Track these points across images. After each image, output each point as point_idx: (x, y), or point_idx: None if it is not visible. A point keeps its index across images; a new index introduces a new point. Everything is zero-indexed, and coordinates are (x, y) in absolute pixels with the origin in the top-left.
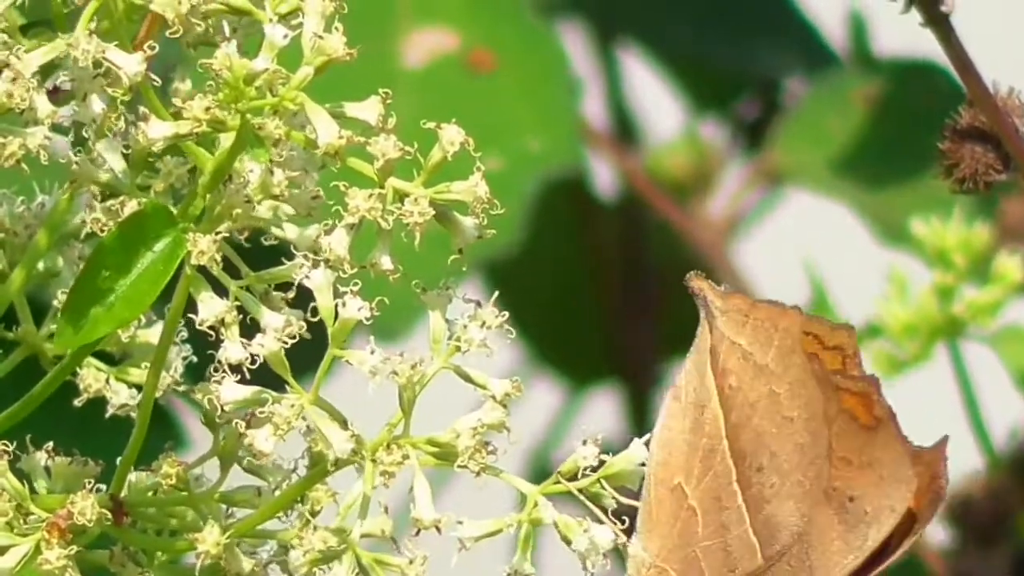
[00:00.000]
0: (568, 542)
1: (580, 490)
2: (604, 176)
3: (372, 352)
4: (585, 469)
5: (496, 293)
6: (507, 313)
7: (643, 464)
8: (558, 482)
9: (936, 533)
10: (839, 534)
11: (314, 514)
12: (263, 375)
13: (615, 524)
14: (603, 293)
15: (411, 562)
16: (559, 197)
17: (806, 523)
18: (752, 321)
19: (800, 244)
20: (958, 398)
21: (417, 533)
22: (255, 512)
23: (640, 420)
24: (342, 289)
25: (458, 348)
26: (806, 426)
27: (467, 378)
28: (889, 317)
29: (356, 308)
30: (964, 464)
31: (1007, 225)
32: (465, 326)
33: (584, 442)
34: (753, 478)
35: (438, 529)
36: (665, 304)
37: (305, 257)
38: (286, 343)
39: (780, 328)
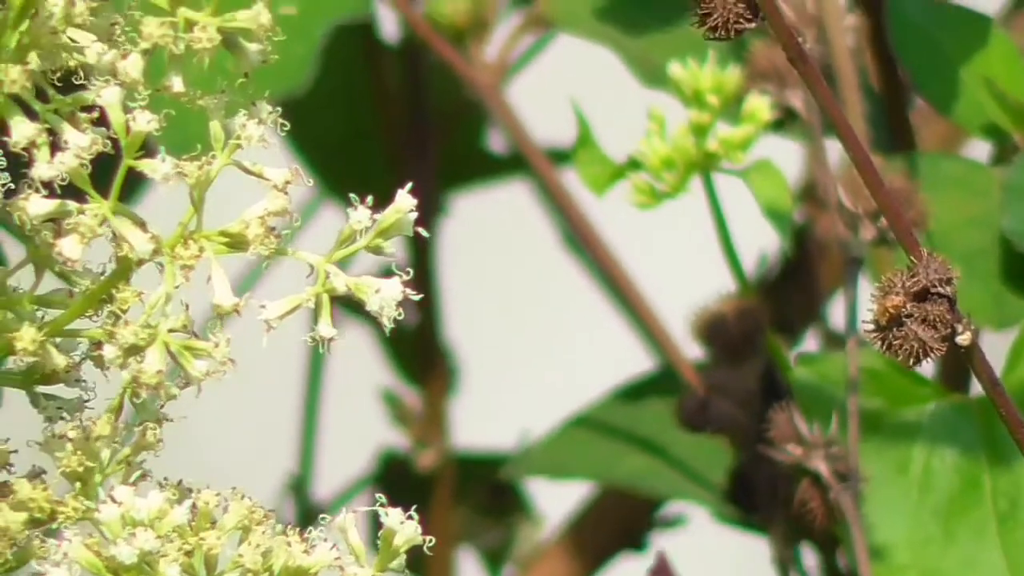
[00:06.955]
0: (362, 303)
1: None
2: (389, 22)
3: (163, 160)
4: (362, 231)
5: (285, 124)
6: (280, 108)
7: (412, 211)
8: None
9: (691, 350)
10: None
11: (122, 311)
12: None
13: (400, 276)
14: (387, 131)
15: (217, 345)
16: (348, 41)
17: None
18: None
19: (569, 86)
20: (711, 226)
21: (220, 319)
22: (66, 311)
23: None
24: (131, 105)
25: (239, 145)
26: None
27: (246, 170)
28: (649, 152)
29: (146, 121)
30: (716, 287)
31: (756, 68)
32: (244, 124)
33: (356, 207)
34: None
35: (238, 312)
36: (444, 141)
37: (105, 81)
38: (85, 159)
39: None
